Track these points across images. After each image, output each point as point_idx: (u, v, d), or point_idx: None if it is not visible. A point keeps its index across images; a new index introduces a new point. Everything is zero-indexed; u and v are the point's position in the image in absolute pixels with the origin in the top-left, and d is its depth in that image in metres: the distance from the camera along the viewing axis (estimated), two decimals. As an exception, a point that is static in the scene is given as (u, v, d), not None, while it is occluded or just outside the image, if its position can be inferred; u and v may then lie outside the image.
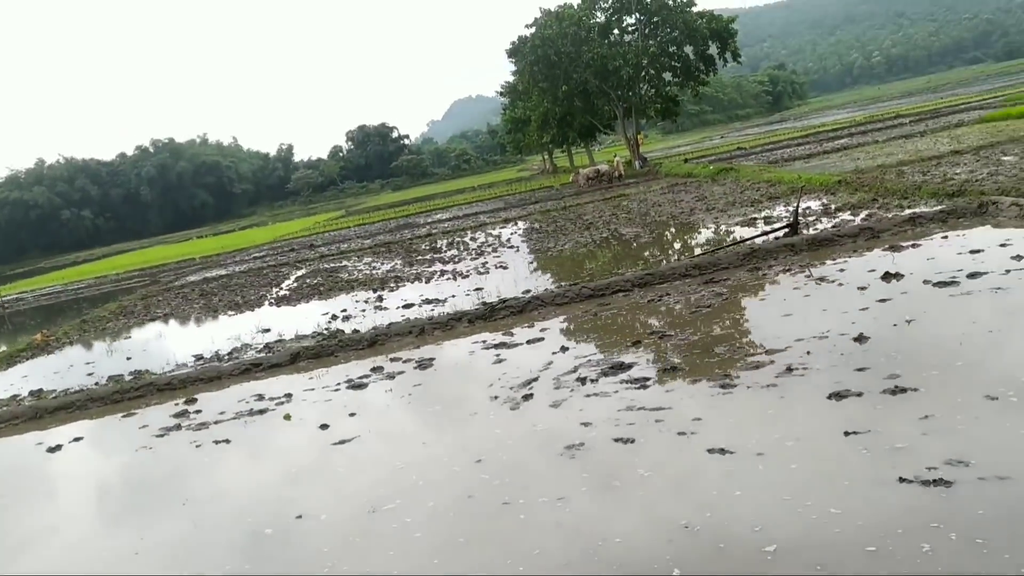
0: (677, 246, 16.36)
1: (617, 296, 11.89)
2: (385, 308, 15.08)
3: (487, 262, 18.78)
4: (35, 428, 10.71)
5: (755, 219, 16.96)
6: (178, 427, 9.41)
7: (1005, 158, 17.80)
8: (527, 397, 7.92)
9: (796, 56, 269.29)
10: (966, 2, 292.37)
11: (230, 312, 18.83)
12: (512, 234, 24.32)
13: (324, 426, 8.31)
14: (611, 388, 7.69)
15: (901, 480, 4.82)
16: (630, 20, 42.48)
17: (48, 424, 10.78)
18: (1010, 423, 5.29)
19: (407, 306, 14.74)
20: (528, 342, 10.27)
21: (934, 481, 4.74)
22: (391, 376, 9.89)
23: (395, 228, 36.45)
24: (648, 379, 7.72)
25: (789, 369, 7.14)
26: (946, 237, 11.42)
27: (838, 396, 6.30)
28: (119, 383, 12.07)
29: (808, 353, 7.48)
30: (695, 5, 39.85)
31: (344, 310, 15.59)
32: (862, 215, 14.44)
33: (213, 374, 11.58)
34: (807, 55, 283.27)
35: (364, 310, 15.33)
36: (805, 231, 13.72)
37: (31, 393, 12.56)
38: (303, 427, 8.53)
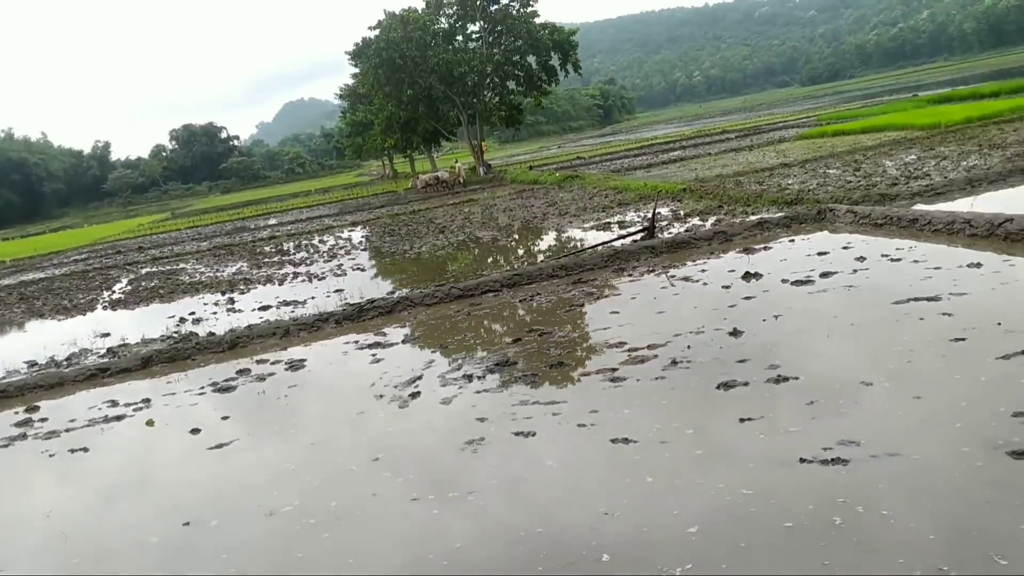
0: (538, 249, 16.59)
1: (487, 296, 11.92)
2: (239, 311, 14.43)
3: (342, 264, 18.37)
4: None
5: (609, 223, 17.50)
6: (23, 436, 8.59)
7: (830, 171, 19.25)
8: (414, 395, 7.79)
9: (624, 72, 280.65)
10: (776, 29, 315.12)
11: (59, 316, 17.44)
12: (363, 237, 23.96)
13: (196, 430, 7.83)
14: (500, 384, 7.68)
15: (802, 460, 5.08)
16: (474, 28, 42.92)
17: None
18: (888, 406, 5.70)
19: (263, 308, 14.16)
20: (404, 341, 10.12)
21: (832, 460, 5.02)
22: (260, 378, 9.45)
23: (232, 231, 35.02)
24: (536, 375, 7.77)
25: (674, 362, 7.39)
26: (793, 241, 12.21)
27: (726, 386, 6.58)
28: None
29: (689, 347, 7.77)
30: (538, 16, 40.75)
31: (192, 313, 14.80)
32: (711, 220, 15.19)
33: (54, 380, 10.66)
34: (634, 72, 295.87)
35: (215, 312, 14.62)
36: (661, 235, 14.29)
37: None
38: (172, 432, 8.00)
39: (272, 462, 6.77)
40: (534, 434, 6.32)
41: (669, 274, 11.34)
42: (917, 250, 10.17)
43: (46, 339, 14.47)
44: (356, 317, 11.76)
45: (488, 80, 40.71)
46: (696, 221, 15.49)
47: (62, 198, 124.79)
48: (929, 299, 7.92)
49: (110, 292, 19.94)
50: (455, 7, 41.69)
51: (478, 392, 7.57)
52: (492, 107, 42.12)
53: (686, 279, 10.84)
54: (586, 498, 5.14)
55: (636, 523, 4.74)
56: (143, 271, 23.38)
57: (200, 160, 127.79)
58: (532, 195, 27.91)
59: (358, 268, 17.41)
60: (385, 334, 10.59)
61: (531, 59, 42.06)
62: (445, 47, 40.90)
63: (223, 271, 20.62)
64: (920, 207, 12.77)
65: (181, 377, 10.21)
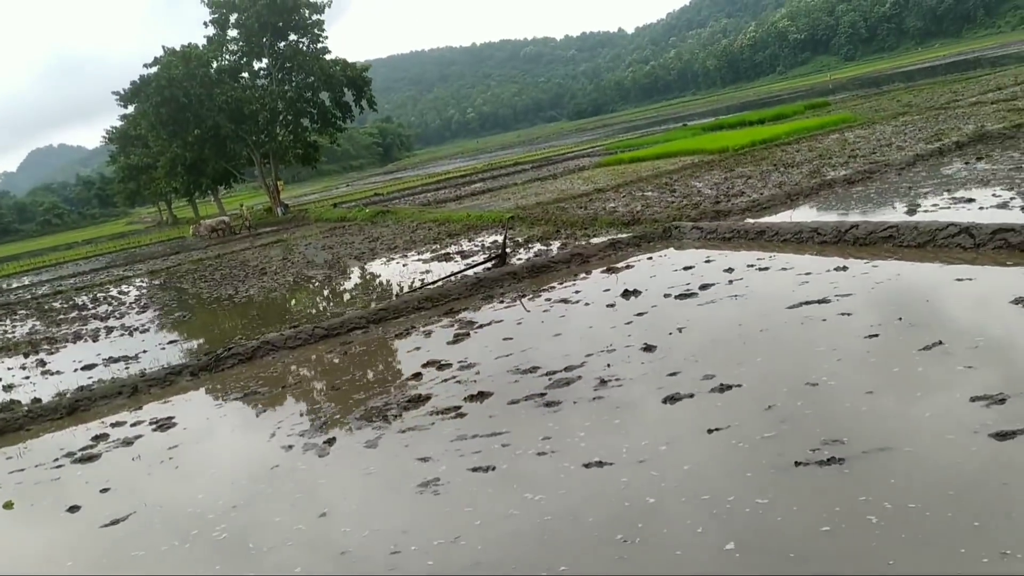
0: (381, 284, 15.98)
1: (356, 333, 11.29)
2: (57, 372, 12.78)
3: (161, 313, 16.87)
4: None
5: (448, 254, 17.23)
6: None
7: (648, 193, 20.11)
8: (330, 441, 7.13)
9: (400, 110, 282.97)
10: (541, 68, 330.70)
11: None
12: (172, 284, 22.17)
13: (74, 508, 6.72)
14: (423, 421, 7.19)
15: (797, 464, 5.07)
16: (261, 65, 41.47)
17: None
18: (848, 402, 5.85)
19: (88, 367, 12.65)
20: (284, 387, 9.31)
21: (827, 460, 5.05)
22: (127, 442, 8.33)
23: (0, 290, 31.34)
24: (459, 407, 7.36)
25: (603, 382, 7.24)
26: (651, 258, 12.54)
27: (672, 399, 6.51)
28: None
29: (609, 366, 7.66)
30: (329, 52, 40.06)
31: (-1, 379, 12.95)
32: (556, 244, 15.34)
33: None
34: (409, 110, 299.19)
35: (28, 377, 12.86)
36: (512, 261, 14.25)
37: None
38: (45, 513, 6.82)
39: (193, 532, 5.90)
40: (494, 468, 5.92)
41: (544, 297, 11.25)
42: (778, 259, 10.72)
43: None
44: (214, 367, 10.73)
45: (281, 117, 39.37)
46: (539, 246, 15.59)
47: None
48: (820, 302, 8.32)
49: None
50: (240, 43, 40.11)
51: (402, 432, 7.04)
52: (287, 145, 40.73)
53: (564, 301, 10.80)
54: (594, 532, 4.84)
55: (661, 547, 4.50)
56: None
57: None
58: (346, 232, 27.15)
59: (183, 317, 16.04)
60: (260, 382, 9.71)
61: (324, 95, 41.20)
62: (232, 84, 39.17)
63: (13, 332, 18.29)
64: (751, 220, 13.56)
65: (22, 450, 8.81)
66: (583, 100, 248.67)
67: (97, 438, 8.65)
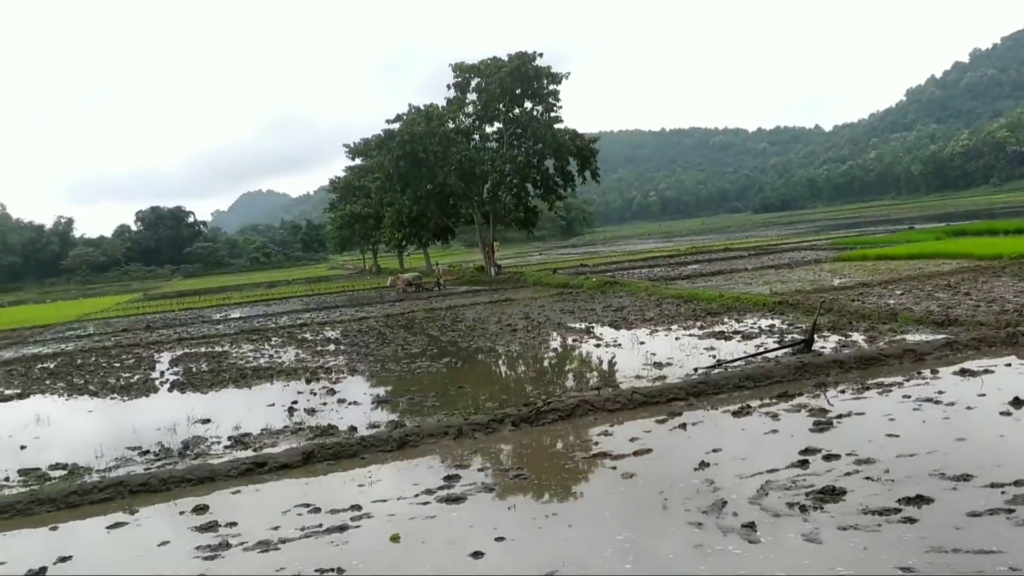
0: (659, 355, 15.05)
1: (677, 403, 10.56)
2: (353, 403, 12.79)
3: (428, 357, 16.84)
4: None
5: (723, 332, 16.33)
6: (224, 545, 6.90)
7: (937, 294, 18.50)
8: (750, 526, 6.32)
9: (583, 187, 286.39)
10: (729, 158, 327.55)
11: (114, 396, 15.58)
12: (419, 329, 22.38)
13: (478, 554, 6.25)
14: (861, 520, 6.27)
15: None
16: (492, 128, 42.71)
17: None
18: None
19: (382, 401, 12.65)
20: (639, 454, 8.64)
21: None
22: (488, 488, 7.90)
23: (249, 316, 32.93)
24: (899, 509, 6.39)
25: (1083, 504, 6.11)
26: (1009, 364, 11.17)
27: None
28: (44, 482, 9.12)
29: (1071, 484, 6.51)
30: (561, 121, 40.71)
31: (295, 402, 13.11)
32: (859, 336, 14.16)
33: (204, 474, 8.93)
34: (592, 187, 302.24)
35: (325, 403, 12.99)
36: (817, 348, 13.21)
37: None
38: (446, 554, 6.38)
39: None
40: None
41: (899, 394, 10.12)
42: None
43: (125, 423, 12.65)
44: (534, 420, 10.29)
45: (508, 180, 40.13)
46: (838, 336, 14.43)
47: (15, 272, 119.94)
48: None
49: (154, 373, 18.01)
50: (477, 107, 41.51)
51: (843, 529, 6.15)
52: (510, 207, 41.45)
53: (930, 400, 9.63)
54: None
55: None
56: (178, 352, 21.40)
57: (165, 243, 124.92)
58: (577, 298, 26.74)
59: (453, 363, 15.89)
60: (589, 444, 9.12)
61: (548, 163, 41.77)
62: (466, 144, 40.47)
63: (279, 356, 18.87)
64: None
65: (368, 478, 8.58)
66: (771, 194, 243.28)
67: (448, 478, 8.27)
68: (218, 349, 21.40)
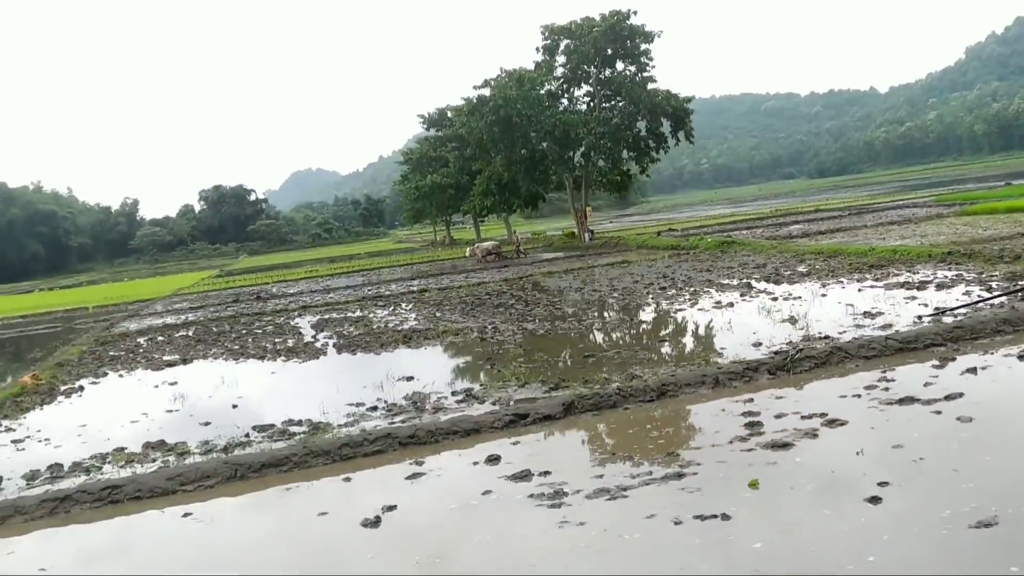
0: (860, 306, 14.20)
1: (937, 349, 9.85)
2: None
3: (603, 314, 16.25)
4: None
5: (909, 282, 15.50)
6: (561, 492, 6.38)
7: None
8: None
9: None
10: (782, 123, 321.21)
11: (283, 359, 15.29)
12: (574, 284, 21.75)
13: (874, 499, 5.65)
14: None
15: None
16: (579, 92, 41.80)
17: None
18: None
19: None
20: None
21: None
22: (810, 434, 7.28)
23: (353, 286, 32.64)
24: None
25: None
26: None
27: None
28: (287, 438, 8.73)
29: None
30: (655, 81, 39.65)
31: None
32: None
33: (468, 426, 8.54)
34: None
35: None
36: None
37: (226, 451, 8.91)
38: (824, 502, 5.78)
39: None
40: None
41: None
42: None
43: (326, 383, 12.26)
44: (791, 368, 9.65)
45: (603, 143, 39.21)
46: (1049, 283, 13.51)
47: (86, 253, 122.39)
48: None
49: (305, 338, 17.64)
50: (566, 69, 40.62)
51: None
52: (604, 172, 40.58)
53: None
54: None
55: None
56: (313, 319, 21.10)
57: (228, 221, 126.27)
58: (699, 259, 25.85)
59: (622, 319, 15.31)
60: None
61: (640, 125, 40.72)
62: (558, 108, 39.68)
63: (421, 318, 18.49)
64: None
65: (654, 418, 8.03)
66: (826, 159, 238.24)
67: (751, 421, 7.67)
68: (353, 315, 21.04)
